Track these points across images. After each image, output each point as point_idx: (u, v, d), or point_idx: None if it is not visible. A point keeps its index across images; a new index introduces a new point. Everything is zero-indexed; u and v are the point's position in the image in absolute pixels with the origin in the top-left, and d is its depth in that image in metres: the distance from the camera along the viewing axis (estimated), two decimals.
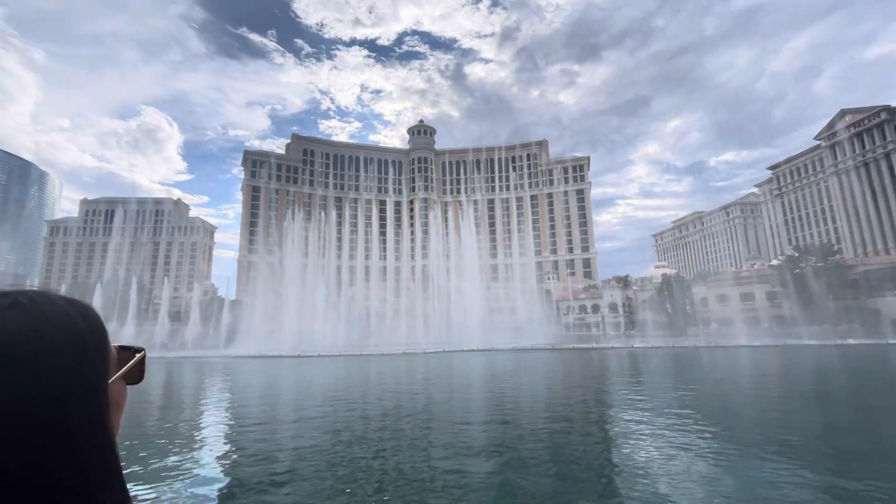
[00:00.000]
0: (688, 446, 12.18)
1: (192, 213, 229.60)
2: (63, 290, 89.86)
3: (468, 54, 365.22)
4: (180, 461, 11.91)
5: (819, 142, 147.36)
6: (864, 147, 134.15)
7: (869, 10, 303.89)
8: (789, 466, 10.23)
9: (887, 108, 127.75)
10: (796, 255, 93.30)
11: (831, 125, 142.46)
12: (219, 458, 12.52)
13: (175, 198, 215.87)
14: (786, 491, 8.80)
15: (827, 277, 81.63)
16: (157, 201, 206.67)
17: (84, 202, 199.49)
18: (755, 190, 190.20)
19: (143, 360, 1.00)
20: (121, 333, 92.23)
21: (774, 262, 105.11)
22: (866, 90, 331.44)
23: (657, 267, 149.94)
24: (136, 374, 1.00)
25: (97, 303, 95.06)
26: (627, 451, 12.12)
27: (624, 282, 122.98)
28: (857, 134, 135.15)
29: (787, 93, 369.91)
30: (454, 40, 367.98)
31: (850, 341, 62.79)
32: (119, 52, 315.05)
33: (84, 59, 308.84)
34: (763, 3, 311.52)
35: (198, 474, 10.75)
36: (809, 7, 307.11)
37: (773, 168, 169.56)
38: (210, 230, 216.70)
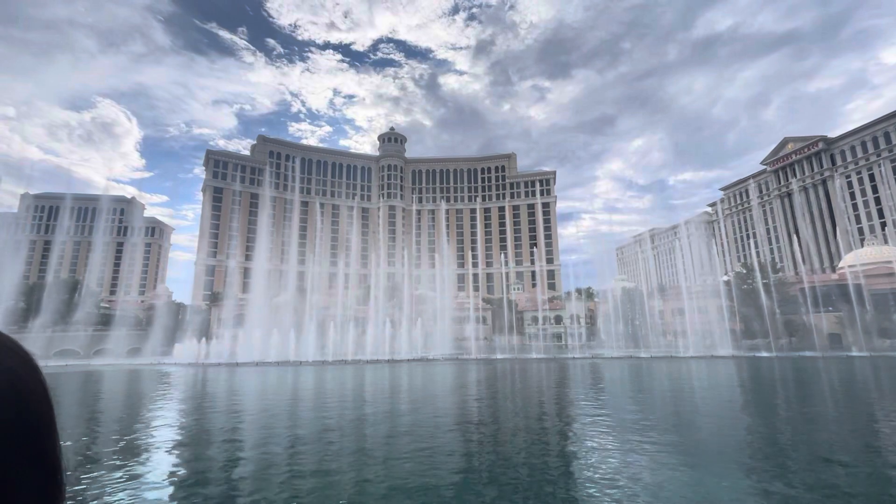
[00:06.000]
0: (639, 455, 12.49)
1: (149, 212, 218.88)
2: None
3: (443, 65, 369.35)
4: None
5: (765, 166, 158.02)
6: (803, 173, 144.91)
7: (811, 47, 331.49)
8: (736, 475, 10.67)
9: (824, 139, 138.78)
10: (744, 271, 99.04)
11: (776, 151, 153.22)
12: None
13: (129, 196, 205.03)
14: (730, 497, 9.16)
15: (771, 294, 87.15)
16: (109, 199, 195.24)
17: (25, 197, 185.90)
18: (708, 209, 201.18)
19: None
20: (62, 339, 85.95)
21: (725, 278, 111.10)
22: (808, 121, 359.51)
23: (618, 280, 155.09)
24: None
25: (30, 306, 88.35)
26: (580, 460, 12.28)
27: (586, 294, 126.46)
28: (797, 161, 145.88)
29: (740, 119, 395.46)
30: (429, 50, 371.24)
31: (792, 354, 66.97)
32: (74, 40, 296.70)
33: (33, 44, 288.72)
34: (720, 35, 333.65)
35: None
36: (760, 41, 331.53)
37: (724, 189, 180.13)
38: (166, 231, 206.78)
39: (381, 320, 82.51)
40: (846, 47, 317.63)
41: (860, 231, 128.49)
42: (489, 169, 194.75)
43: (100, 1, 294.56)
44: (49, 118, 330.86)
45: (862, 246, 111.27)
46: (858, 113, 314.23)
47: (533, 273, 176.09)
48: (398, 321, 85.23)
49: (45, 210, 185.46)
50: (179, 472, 11.68)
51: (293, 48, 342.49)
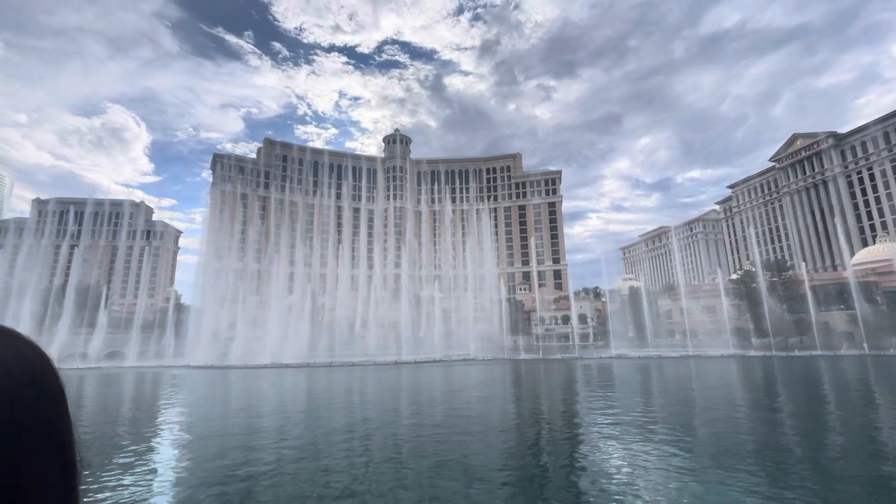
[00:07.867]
0: (648, 455, 12.39)
1: (158, 216, 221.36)
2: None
3: (448, 66, 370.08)
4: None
5: (774, 163, 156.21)
6: (812, 170, 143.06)
7: (820, 42, 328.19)
8: (746, 476, 10.55)
9: (834, 135, 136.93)
10: (753, 270, 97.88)
11: (785, 148, 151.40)
12: None
13: (138, 200, 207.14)
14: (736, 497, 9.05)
15: (781, 292, 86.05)
16: (118, 203, 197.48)
17: (36, 202, 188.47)
18: (716, 207, 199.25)
19: None
20: (72, 343, 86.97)
21: (734, 277, 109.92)
22: (817, 117, 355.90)
23: (625, 279, 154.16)
24: None
25: (42, 309, 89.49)
26: (589, 460, 12.21)
27: (594, 293, 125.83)
28: (806, 157, 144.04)
29: (749, 115, 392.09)
30: (434, 51, 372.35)
31: (804, 353, 66.10)
32: (84, 46, 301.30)
33: (44, 52, 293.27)
34: (728, 31, 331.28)
35: None
36: (769, 36, 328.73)
37: (732, 187, 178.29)
38: (174, 234, 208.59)
39: (387, 322, 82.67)
40: (856, 42, 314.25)
41: (871, 228, 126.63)
42: (495, 169, 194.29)
43: (109, 8, 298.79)
44: (60, 124, 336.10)
45: (874, 243, 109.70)
46: (870, 108, 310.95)
47: (539, 273, 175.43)
48: (403, 323, 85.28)
49: (55, 215, 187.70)
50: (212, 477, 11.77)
51: (299, 51, 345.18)
